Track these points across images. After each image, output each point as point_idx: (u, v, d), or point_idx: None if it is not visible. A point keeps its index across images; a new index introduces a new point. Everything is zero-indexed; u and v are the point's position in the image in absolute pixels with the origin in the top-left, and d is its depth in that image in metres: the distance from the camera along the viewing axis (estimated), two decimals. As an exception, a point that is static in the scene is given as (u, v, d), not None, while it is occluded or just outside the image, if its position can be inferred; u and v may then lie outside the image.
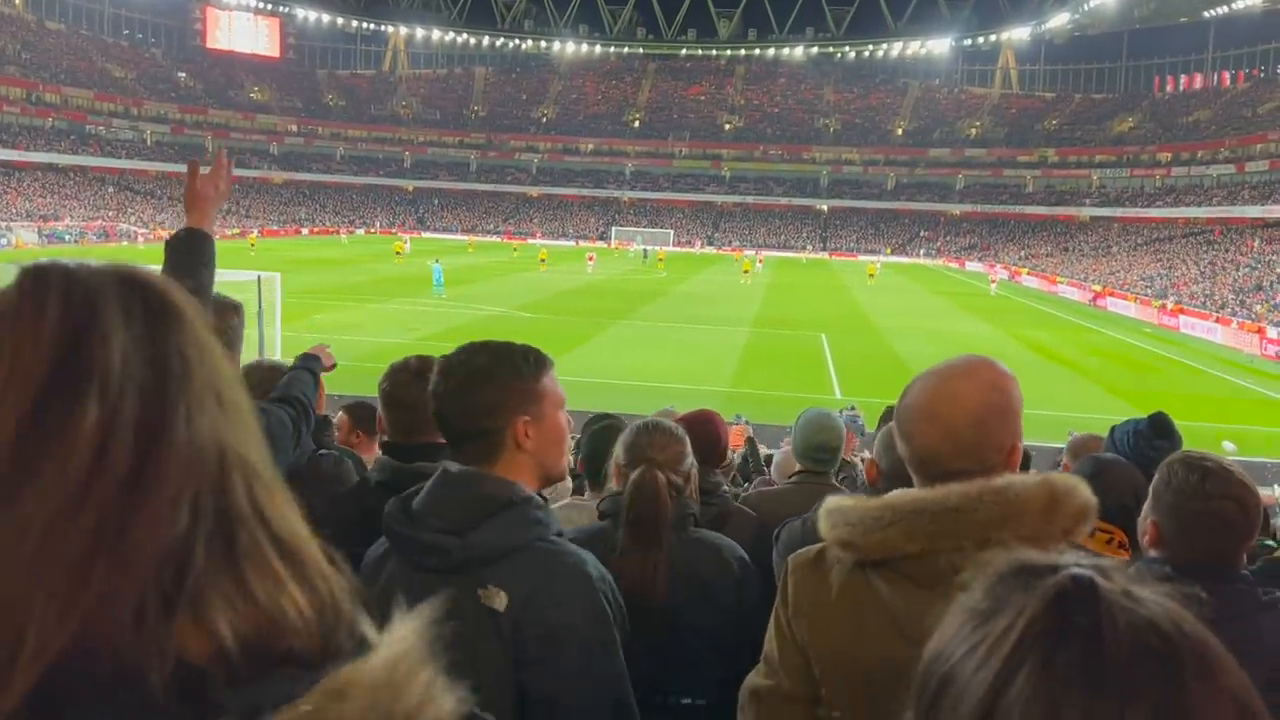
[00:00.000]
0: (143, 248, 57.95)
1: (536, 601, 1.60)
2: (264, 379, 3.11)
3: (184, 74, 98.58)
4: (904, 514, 1.43)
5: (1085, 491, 1.41)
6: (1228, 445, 16.50)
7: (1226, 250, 56.95)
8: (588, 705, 1.62)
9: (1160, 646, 0.61)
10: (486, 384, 1.72)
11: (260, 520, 0.74)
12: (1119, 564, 0.68)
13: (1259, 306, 41.06)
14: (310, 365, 3.05)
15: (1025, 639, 0.63)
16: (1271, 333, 35.53)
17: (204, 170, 2.47)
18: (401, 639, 0.71)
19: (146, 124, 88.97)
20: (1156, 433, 3.09)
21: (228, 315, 2.74)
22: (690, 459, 2.44)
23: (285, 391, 2.80)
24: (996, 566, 0.72)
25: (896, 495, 1.48)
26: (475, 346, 1.79)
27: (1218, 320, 39.70)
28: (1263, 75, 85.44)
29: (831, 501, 1.56)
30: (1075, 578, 0.65)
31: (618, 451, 2.45)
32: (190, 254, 2.27)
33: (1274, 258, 50.99)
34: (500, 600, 1.58)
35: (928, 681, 0.70)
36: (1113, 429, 3.27)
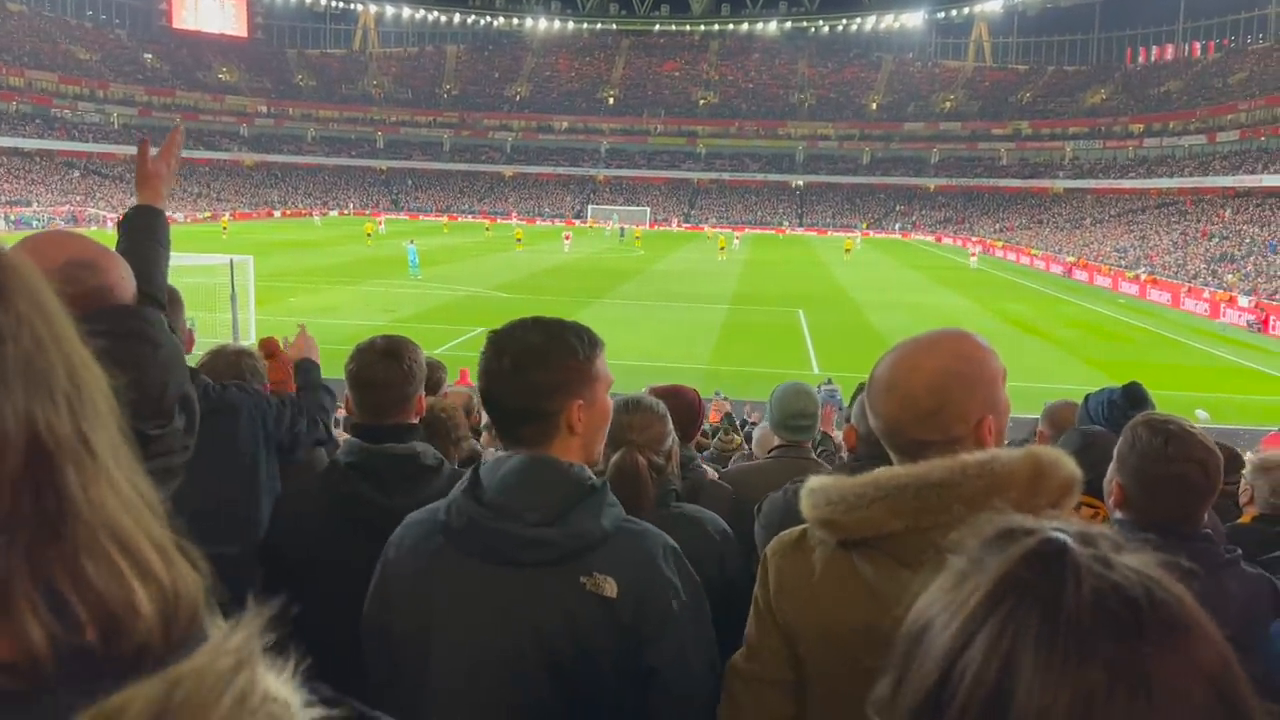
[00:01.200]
0: (111, 232, 57.12)
1: (645, 584, 1.59)
2: (230, 364, 3.08)
3: (150, 55, 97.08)
4: (887, 490, 1.41)
5: (1070, 464, 1.39)
6: (1201, 413, 16.70)
7: (1198, 220, 57.46)
8: (697, 669, 1.65)
9: (1122, 612, 0.61)
10: (544, 364, 1.64)
11: (97, 511, 0.68)
12: (1107, 531, 0.68)
13: (1230, 276, 41.50)
14: (309, 376, 3.09)
15: (990, 597, 0.63)
16: (1242, 301, 35.95)
17: (153, 150, 2.39)
18: (227, 643, 0.59)
19: (113, 107, 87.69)
20: (1130, 402, 3.11)
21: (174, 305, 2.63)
22: (672, 437, 2.43)
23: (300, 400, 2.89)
24: (983, 530, 0.72)
25: (879, 472, 1.46)
26: (528, 323, 1.70)
27: (1189, 290, 40.11)
28: (1233, 45, 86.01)
29: (813, 481, 1.53)
30: (1047, 539, 0.66)
31: None
32: (145, 231, 2.20)
33: (1244, 227, 51.50)
34: (611, 587, 1.56)
35: (904, 637, 0.71)
36: (1087, 398, 3.28)
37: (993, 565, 0.66)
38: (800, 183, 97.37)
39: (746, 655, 1.61)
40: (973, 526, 0.73)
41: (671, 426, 2.45)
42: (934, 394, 1.46)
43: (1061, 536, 0.66)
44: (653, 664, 1.59)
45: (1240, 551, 2.13)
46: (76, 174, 75.51)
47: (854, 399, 2.47)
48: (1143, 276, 44.65)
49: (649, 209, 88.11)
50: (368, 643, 1.72)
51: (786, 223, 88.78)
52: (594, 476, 1.67)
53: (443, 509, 1.66)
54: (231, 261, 18.78)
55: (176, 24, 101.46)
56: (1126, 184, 75.83)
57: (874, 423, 1.54)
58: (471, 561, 1.60)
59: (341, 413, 3.84)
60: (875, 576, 1.43)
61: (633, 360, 21.03)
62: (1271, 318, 33.00)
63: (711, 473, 3.40)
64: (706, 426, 9.86)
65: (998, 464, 1.37)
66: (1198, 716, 0.59)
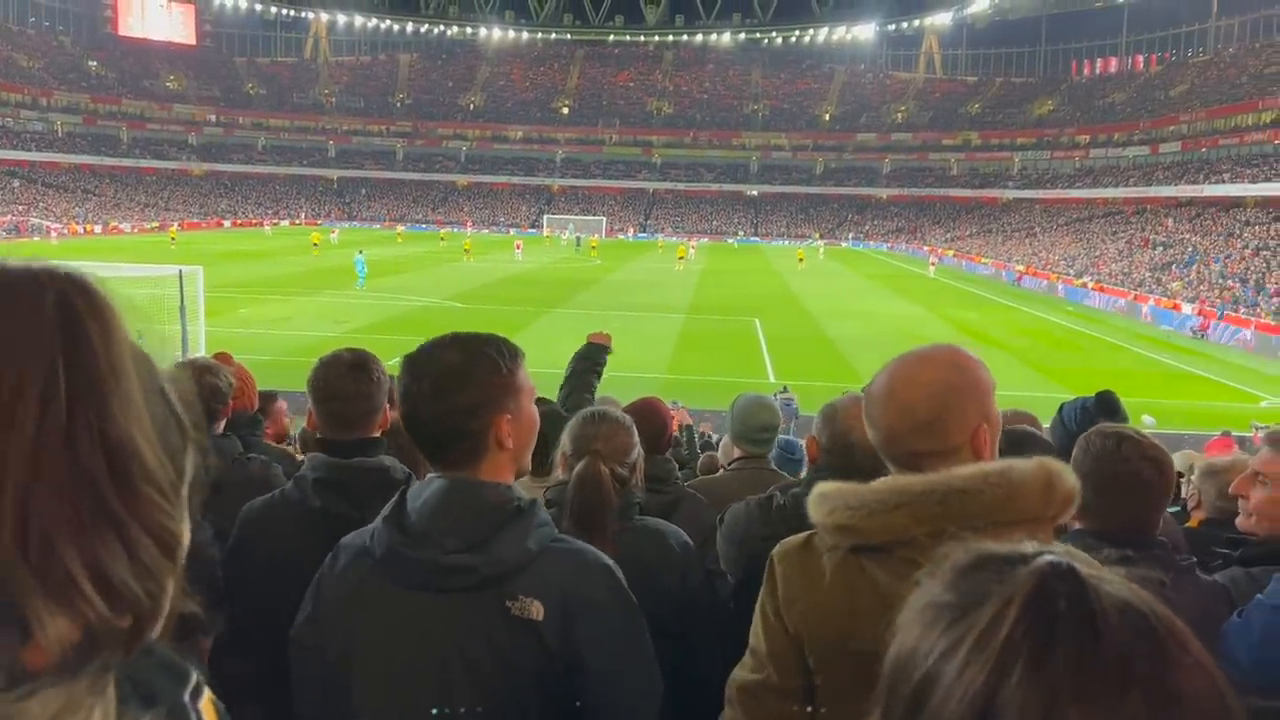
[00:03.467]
0: (56, 243, 55.95)
1: (574, 605, 1.56)
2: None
3: (95, 62, 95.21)
4: (912, 496, 1.43)
5: (1072, 476, 1.44)
6: (1147, 419, 17.06)
7: (1143, 229, 58.74)
8: (633, 689, 1.63)
9: (1145, 631, 0.61)
10: (466, 384, 1.61)
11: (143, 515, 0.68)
12: (1070, 549, 0.69)
13: (1174, 283, 42.47)
14: None
15: (1015, 631, 0.61)
16: (1186, 308, 36.79)
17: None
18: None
19: (57, 114, 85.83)
20: (1102, 410, 3.17)
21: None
22: (637, 450, 2.43)
23: None
24: (956, 559, 0.71)
25: (900, 479, 1.48)
26: (444, 342, 1.66)
27: (1135, 297, 40.98)
28: (1174, 59, 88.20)
29: (824, 487, 1.54)
30: (1054, 564, 0.65)
31: (564, 440, 2.44)
32: None
33: (1186, 236, 52.75)
34: (537, 610, 1.53)
35: (899, 685, 0.68)
36: (1061, 406, 3.34)
37: (1003, 595, 0.64)
38: (755, 193, 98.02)
39: (753, 666, 1.60)
40: (940, 557, 0.73)
41: (637, 439, 2.45)
42: (932, 405, 1.51)
43: (1064, 559, 0.65)
44: (581, 685, 1.56)
45: (1195, 559, 2.17)
46: (18, 183, 73.75)
47: (822, 413, 2.49)
48: (1090, 284, 45.54)
49: (605, 218, 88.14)
50: (299, 665, 1.67)
51: (741, 231, 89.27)
52: (521, 497, 1.63)
53: (367, 536, 1.62)
54: (180, 272, 18.43)
55: (123, 31, 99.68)
56: (1073, 194, 77.33)
57: (872, 435, 1.57)
58: (395, 589, 1.56)
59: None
60: (888, 581, 1.43)
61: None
62: (1212, 324, 33.83)
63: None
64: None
65: (1014, 474, 1.40)
66: (1217, 714, 0.60)
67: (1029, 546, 0.68)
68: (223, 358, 3.45)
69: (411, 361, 1.65)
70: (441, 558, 1.54)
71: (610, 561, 1.68)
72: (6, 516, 0.60)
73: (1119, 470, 2.12)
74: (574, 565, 1.61)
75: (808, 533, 1.59)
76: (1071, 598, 0.62)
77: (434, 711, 1.53)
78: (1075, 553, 0.67)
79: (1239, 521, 2.44)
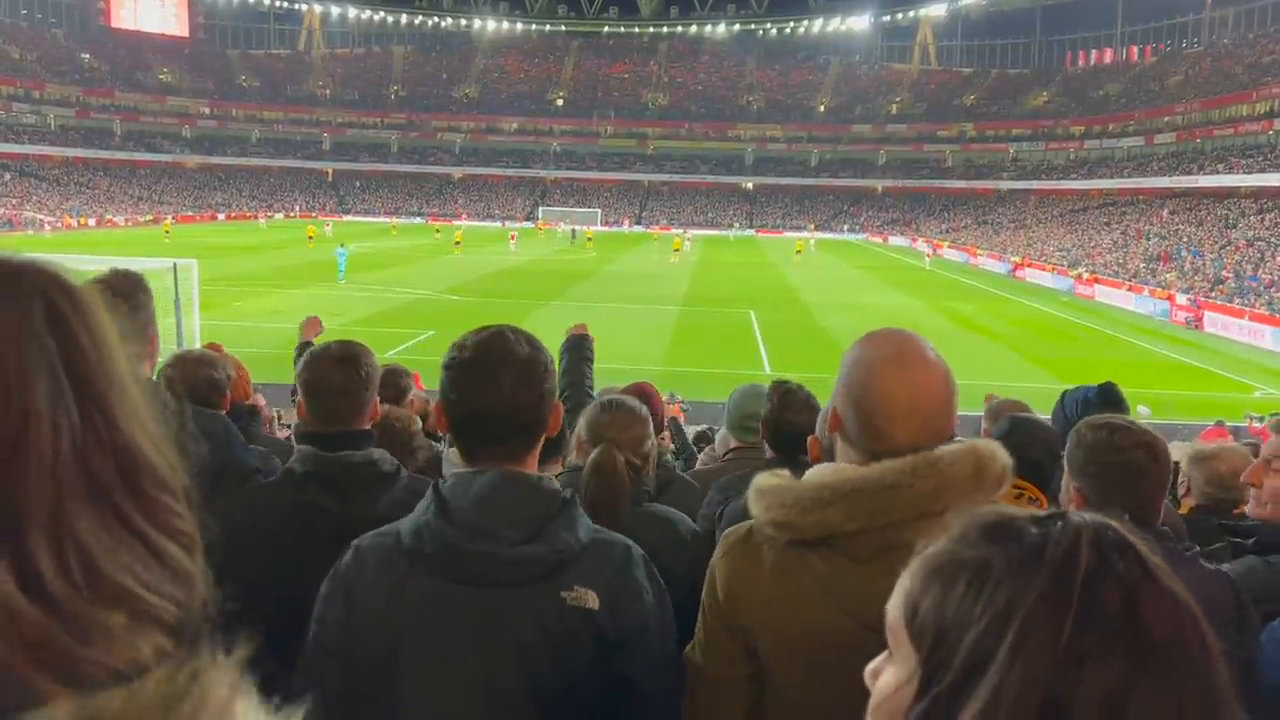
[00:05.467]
0: (50, 236, 55.79)
1: (621, 592, 1.60)
2: (189, 372, 2.98)
3: (88, 55, 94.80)
4: (842, 494, 1.45)
5: (1004, 454, 1.46)
6: (1142, 410, 17.09)
7: (1137, 220, 58.81)
8: (667, 673, 1.66)
9: (1186, 593, 0.62)
10: (546, 372, 1.66)
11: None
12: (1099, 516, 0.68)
13: (1169, 274, 42.54)
14: None
15: (1096, 607, 0.61)
16: (1180, 299, 36.87)
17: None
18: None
19: (49, 108, 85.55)
20: (1105, 402, 3.18)
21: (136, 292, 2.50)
22: (651, 440, 2.47)
23: None
24: (979, 518, 0.70)
25: (831, 475, 1.50)
26: (504, 334, 1.68)
27: (1130, 288, 41.05)
28: (1169, 50, 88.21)
29: (762, 482, 1.56)
30: (1104, 525, 0.65)
31: (580, 426, 2.48)
32: None
33: (1181, 227, 52.83)
34: (593, 599, 1.55)
35: (941, 649, 0.67)
36: (1063, 395, 3.35)
37: (1058, 558, 0.63)
38: (750, 185, 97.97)
39: (701, 652, 1.64)
40: (955, 520, 0.72)
41: (652, 430, 2.48)
42: (946, 411, 1.52)
43: (1102, 520, 0.65)
44: (626, 671, 1.60)
45: (1198, 549, 2.17)
46: (11, 176, 73.48)
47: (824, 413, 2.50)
48: (1084, 275, 45.60)
49: (600, 211, 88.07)
50: (323, 674, 1.63)
51: (736, 224, 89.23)
52: (561, 488, 1.66)
53: (406, 533, 1.61)
54: (175, 265, 18.38)
55: (115, 23, 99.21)
56: (1068, 185, 77.37)
57: (882, 443, 1.52)
58: (441, 584, 1.56)
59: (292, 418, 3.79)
60: (828, 572, 1.47)
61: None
62: (1205, 315, 33.92)
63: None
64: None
65: (944, 462, 1.42)
66: (1226, 681, 0.61)
67: (1040, 511, 0.69)
68: (214, 349, 3.46)
69: (479, 354, 1.65)
70: (505, 550, 1.55)
71: (644, 551, 1.72)
72: (42, 545, 0.59)
73: (1113, 460, 2.13)
74: (619, 555, 1.65)
75: (748, 524, 1.61)
76: (1126, 559, 0.62)
77: (486, 706, 1.54)
78: (1104, 518, 0.67)
79: (1249, 509, 2.45)
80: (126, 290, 2.38)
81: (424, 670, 1.56)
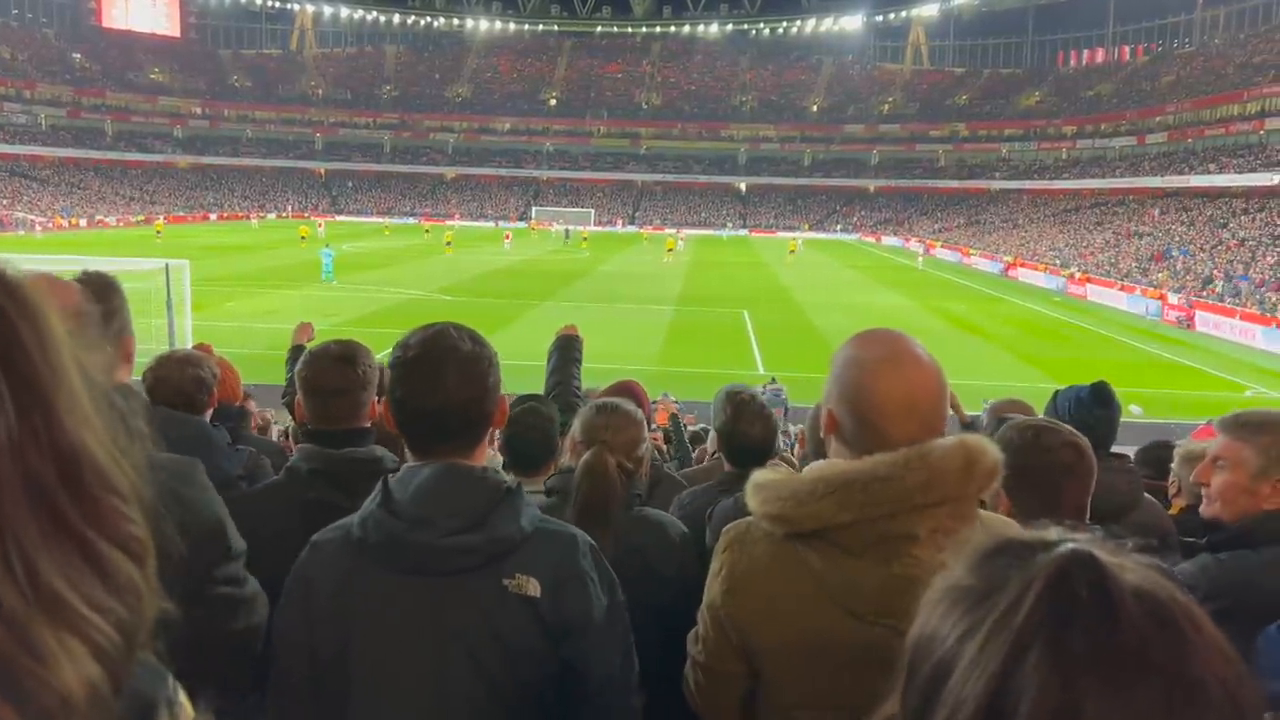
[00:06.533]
0: (41, 237, 55.59)
1: (565, 581, 1.61)
2: (175, 371, 2.96)
3: (79, 55, 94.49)
4: (836, 486, 1.47)
5: (994, 450, 1.49)
6: (1134, 409, 17.14)
7: (1129, 220, 58.99)
8: (615, 664, 1.68)
9: (1162, 612, 0.61)
10: (490, 368, 1.69)
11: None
12: (1098, 537, 0.69)
13: (1160, 274, 42.68)
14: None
15: (1034, 616, 0.62)
16: (1172, 298, 36.99)
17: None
18: None
19: (40, 107, 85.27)
20: (1097, 401, 3.19)
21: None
22: (645, 444, 2.47)
23: None
24: (979, 544, 0.71)
25: (825, 468, 1.52)
26: (448, 331, 1.71)
27: (1122, 288, 41.18)
28: (1160, 50, 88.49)
29: (760, 476, 1.59)
30: (1076, 552, 0.65)
31: (575, 427, 2.50)
32: None
33: (1173, 227, 53.01)
34: (534, 587, 1.57)
35: (921, 662, 0.68)
36: (1056, 393, 3.36)
37: (1023, 580, 0.64)
38: (743, 185, 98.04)
39: (701, 645, 1.68)
40: (963, 540, 0.73)
41: (647, 434, 2.48)
42: (942, 408, 1.55)
43: (1085, 546, 0.66)
44: (572, 659, 1.61)
45: (1142, 544, 2.19)
46: (1, 176, 73.24)
47: (813, 413, 2.52)
48: (1076, 275, 45.74)
49: (593, 210, 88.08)
50: (286, 663, 1.66)
51: (730, 224, 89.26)
52: (509, 479, 1.68)
53: (355, 525, 1.64)
54: (167, 266, 18.34)
55: (106, 23, 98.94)
56: (1060, 184, 77.57)
57: (879, 443, 1.52)
58: (389, 575, 1.59)
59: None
60: (823, 566, 1.49)
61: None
62: (1197, 314, 34.04)
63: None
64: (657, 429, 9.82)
65: (935, 455, 1.44)
66: (1234, 700, 0.60)
67: (1053, 533, 0.69)
68: (203, 349, 3.44)
69: (422, 352, 1.67)
70: (441, 539, 1.57)
71: (592, 540, 1.73)
72: None
73: (1040, 460, 2.15)
74: (563, 543, 1.66)
75: (747, 520, 1.63)
76: (1092, 584, 0.62)
77: (436, 694, 1.56)
78: (1097, 540, 0.67)
79: (1202, 509, 2.47)
80: (97, 293, 2.37)
81: (375, 660, 1.58)
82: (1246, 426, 2.33)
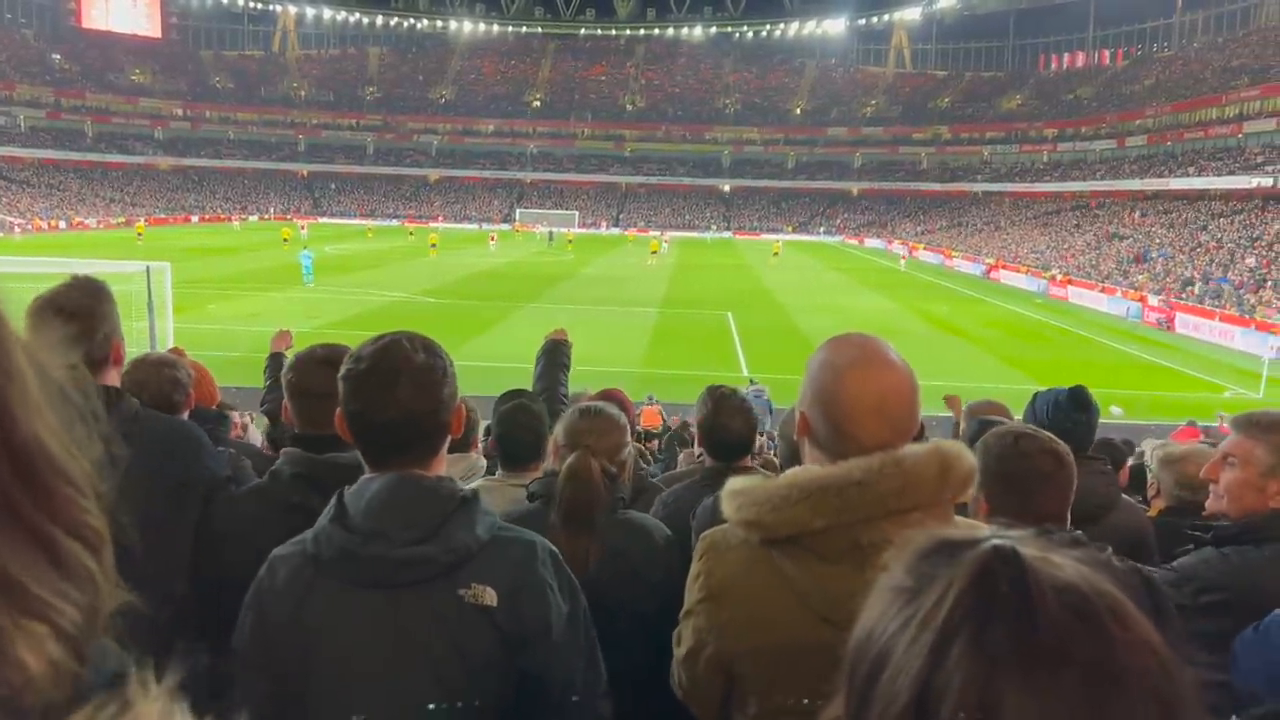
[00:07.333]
0: (19, 239, 55.10)
1: (522, 590, 1.60)
2: (151, 374, 2.96)
3: (59, 56, 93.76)
4: (810, 492, 1.47)
5: (970, 456, 1.49)
6: (1115, 410, 17.29)
7: (1109, 222, 59.42)
8: (571, 673, 1.67)
9: (1085, 610, 0.62)
10: (444, 378, 1.67)
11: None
12: (1030, 533, 0.70)
13: (1141, 276, 43.01)
14: None
15: (956, 612, 0.63)
16: (1152, 300, 37.28)
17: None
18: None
19: (20, 109, 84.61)
20: (1075, 405, 3.21)
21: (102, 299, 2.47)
22: (629, 448, 2.47)
23: None
24: (917, 544, 0.72)
25: (800, 474, 1.52)
26: (394, 341, 1.69)
27: (1103, 290, 41.47)
28: (1140, 53, 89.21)
29: (734, 483, 1.59)
30: (998, 548, 0.66)
31: (558, 431, 2.49)
32: None
33: (1153, 229, 53.42)
34: (490, 596, 1.56)
35: (860, 661, 0.69)
36: (1035, 396, 3.38)
37: (948, 577, 0.66)
38: (727, 187, 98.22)
39: (681, 646, 1.68)
40: (904, 542, 0.74)
41: (629, 436, 2.48)
42: (913, 413, 1.54)
43: (1009, 542, 0.67)
44: (531, 668, 1.60)
45: (1110, 549, 2.22)
46: (-20, 178, 72.62)
47: (786, 417, 2.54)
48: (1058, 277, 46.03)
49: (577, 213, 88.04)
50: (247, 685, 1.64)
51: (714, 225, 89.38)
52: (464, 488, 1.67)
53: (310, 540, 1.62)
54: (149, 268, 18.22)
55: (86, 24, 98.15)
56: (1041, 187, 78.08)
57: (850, 446, 1.52)
58: (344, 589, 1.57)
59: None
60: (797, 572, 1.49)
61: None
62: (1177, 316, 34.31)
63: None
64: (642, 430, 9.84)
65: (910, 461, 1.44)
66: (1158, 696, 0.60)
67: (984, 531, 0.70)
68: (177, 353, 3.44)
69: (374, 365, 1.65)
70: (395, 551, 1.55)
71: (553, 547, 1.72)
72: None
73: (1019, 466, 2.18)
74: (520, 550, 1.65)
75: (724, 526, 1.63)
76: (1013, 580, 0.63)
77: (398, 708, 1.54)
78: (1026, 538, 0.68)
79: (1209, 504, 2.50)
80: (88, 297, 2.36)
81: (334, 675, 1.56)
82: (1259, 425, 2.37)
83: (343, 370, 1.69)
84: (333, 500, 1.65)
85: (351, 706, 1.55)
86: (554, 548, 1.72)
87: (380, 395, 1.63)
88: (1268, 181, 50.28)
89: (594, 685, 1.71)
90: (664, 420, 13.97)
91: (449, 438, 1.71)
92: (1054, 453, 2.21)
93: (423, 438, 1.66)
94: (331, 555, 1.58)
